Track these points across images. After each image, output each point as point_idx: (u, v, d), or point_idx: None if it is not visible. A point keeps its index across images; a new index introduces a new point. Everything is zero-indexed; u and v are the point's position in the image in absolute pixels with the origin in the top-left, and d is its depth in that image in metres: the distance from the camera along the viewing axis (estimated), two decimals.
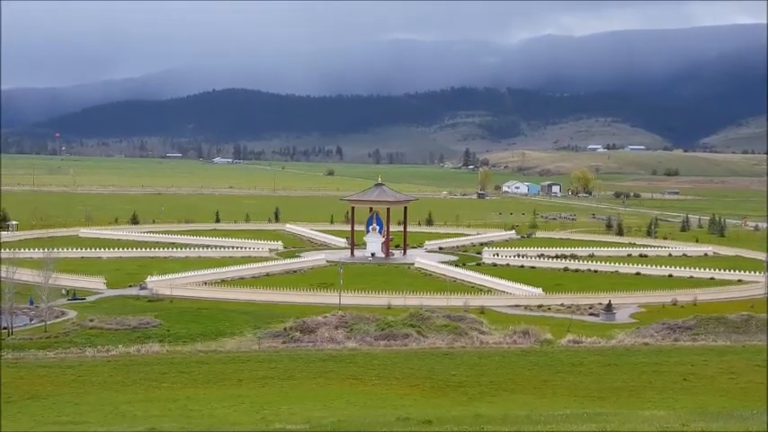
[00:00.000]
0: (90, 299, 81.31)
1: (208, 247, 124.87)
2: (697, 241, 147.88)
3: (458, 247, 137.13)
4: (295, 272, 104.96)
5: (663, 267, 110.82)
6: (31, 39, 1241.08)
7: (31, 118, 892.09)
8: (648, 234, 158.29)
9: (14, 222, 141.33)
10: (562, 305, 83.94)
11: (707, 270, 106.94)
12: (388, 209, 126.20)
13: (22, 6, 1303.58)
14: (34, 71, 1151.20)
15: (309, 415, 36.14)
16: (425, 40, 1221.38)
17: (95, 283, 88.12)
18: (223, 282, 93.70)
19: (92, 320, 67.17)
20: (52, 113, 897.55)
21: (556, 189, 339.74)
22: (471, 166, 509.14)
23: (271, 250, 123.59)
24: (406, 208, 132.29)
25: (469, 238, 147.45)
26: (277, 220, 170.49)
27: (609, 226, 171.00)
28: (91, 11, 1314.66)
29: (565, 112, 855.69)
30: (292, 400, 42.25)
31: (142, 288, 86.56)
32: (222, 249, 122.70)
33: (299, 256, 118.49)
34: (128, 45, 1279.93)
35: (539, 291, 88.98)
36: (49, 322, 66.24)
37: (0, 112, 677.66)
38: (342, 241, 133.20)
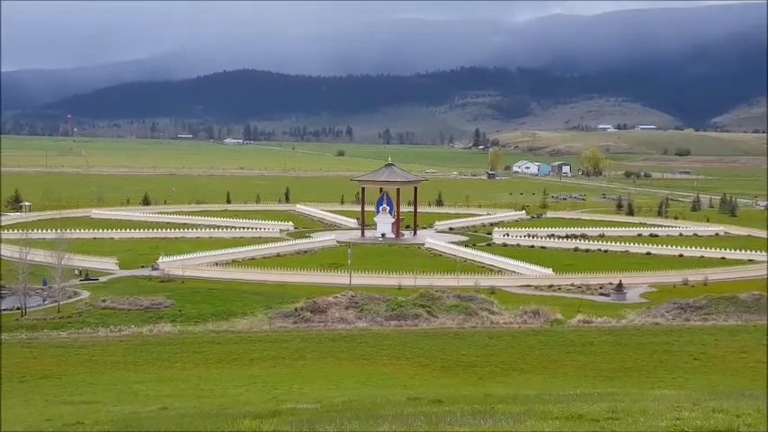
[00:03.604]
0: (102, 279, 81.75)
1: (219, 227, 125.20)
2: (708, 221, 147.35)
3: (468, 227, 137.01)
4: (306, 252, 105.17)
5: (673, 247, 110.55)
6: (42, 20, 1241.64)
7: (43, 99, 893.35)
8: (659, 214, 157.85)
9: (27, 203, 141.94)
10: (572, 285, 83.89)
11: (718, 250, 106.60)
12: (398, 189, 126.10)
13: None
14: (45, 53, 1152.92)
15: (320, 394, 36.33)
16: (435, 19, 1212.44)
17: (108, 263, 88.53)
18: (234, 262, 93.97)
19: (104, 301, 67.56)
20: (64, 95, 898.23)
21: (566, 169, 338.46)
22: (481, 147, 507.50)
23: (281, 231, 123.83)
24: (416, 188, 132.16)
25: (480, 218, 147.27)
26: (288, 200, 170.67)
27: (619, 206, 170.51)
28: None
29: (575, 92, 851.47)
30: (303, 380, 42.50)
31: (154, 269, 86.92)
32: (233, 230, 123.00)
33: (310, 237, 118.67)
34: (138, 26, 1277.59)
35: (549, 271, 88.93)
36: (62, 302, 66.66)
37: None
38: (352, 222, 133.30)
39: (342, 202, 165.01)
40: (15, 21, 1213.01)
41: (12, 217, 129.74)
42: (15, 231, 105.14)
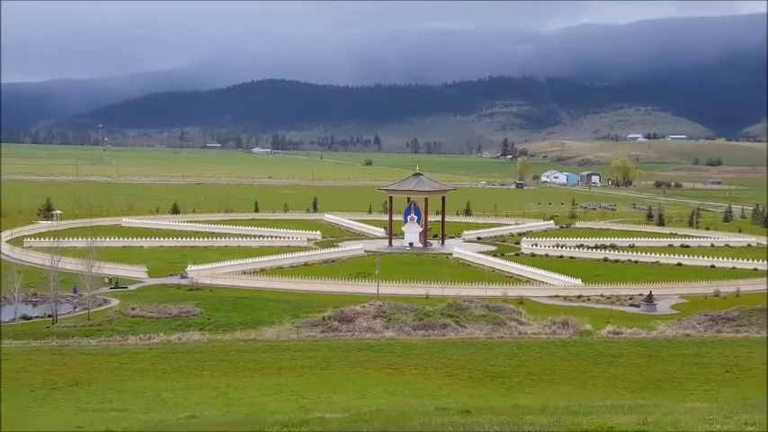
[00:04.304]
0: (132, 287, 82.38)
1: (247, 236, 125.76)
2: (740, 231, 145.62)
3: (496, 237, 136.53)
4: (333, 261, 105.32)
5: (705, 258, 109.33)
6: (73, 32, 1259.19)
7: (75, 109, 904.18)
8: (690, 224, 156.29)
9: (59, 212, 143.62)
10: (602, 296, 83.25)
11: (750, 261, 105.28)
12: (426, 199, 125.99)
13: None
14: (77, 63, 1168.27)
15: (348, 403, 36.29)
16: (463, 29, 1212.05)
17: (137, 271, 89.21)
18: (262, 271, 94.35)
19: (134, 309, 68.06)
20: (95, 105, 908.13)
21: (595, 179, 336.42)
22: (510, 156, 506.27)
23: (309, 240, 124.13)
24: (444, 198, 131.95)
25: (508, 228, 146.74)
26: (315, 209, 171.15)
27: (649, 216, 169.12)
28: (130, 2, 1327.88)
29: (604, 101, 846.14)
30: (331, 389, 42.45)
31: (183, 277, 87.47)
32: (261, 239, 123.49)
33: (338, 246, 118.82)
34: (167, 36, 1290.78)
35: (578, 281, 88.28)
36: (92, 310, 67.25)
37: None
38: (380, 231, 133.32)
39: (369, 212, 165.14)
40: (47, 32, 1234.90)
41: (43, 225, 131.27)
42: (47, 239, 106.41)
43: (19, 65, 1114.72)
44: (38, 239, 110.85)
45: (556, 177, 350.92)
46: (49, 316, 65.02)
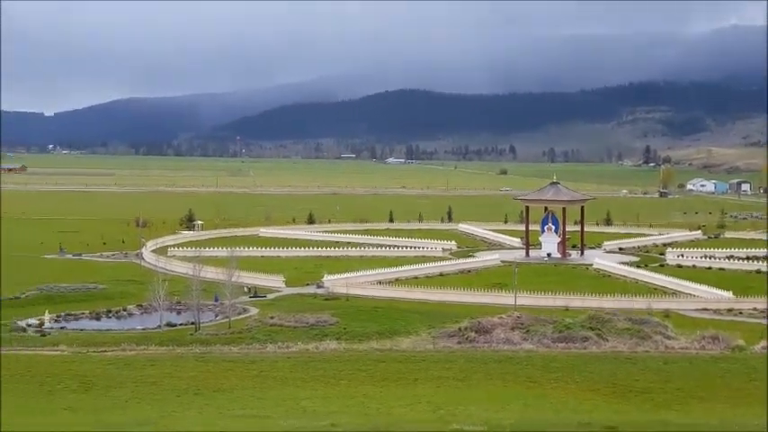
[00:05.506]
0: (270, 296, 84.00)
1: (382, 246, 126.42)
2: None
3: (639, 247, 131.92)
4: (469, 271, 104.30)
5: None
6: (211, 45, 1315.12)
7: (214, 122, 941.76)
8: None
9: (200, 222, 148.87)
10: (755, 309, 78.61)
11: None
12: (564, 208, 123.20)
13: (200, 16, 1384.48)
14: (216, 77, 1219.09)
15: (487, 416, 35.42)
16: (600, 33, 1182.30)
17: (275, 281, 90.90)
18: (397, 281, 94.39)
19: (272, 318, 69.31)
20: (233, 117, 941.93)
21: (746, 187, 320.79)
22: (652, 164, 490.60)
23: (444, 250, 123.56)
24: (582, 207, 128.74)
25: (651, 238, 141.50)
26: (450, 219, 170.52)
27: None
28: (264, 15, 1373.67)
29: (754, 106, 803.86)
30: (469, 401, 41.66)
31: (319, 286, 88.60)
32: (396, 249, 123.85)
33: (473, 256, 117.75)
34: (301, 49, 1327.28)
35: (728, 294, 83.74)
36: (232, 318, 68.95)
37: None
38: (516, 241, 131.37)
39: (505, 222, 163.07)
40: (188, 48, 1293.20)
41: (186, 235, 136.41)
42: (189, 249, 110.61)
43: (162, 81, 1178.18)
44: (181, 249, 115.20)
45: (702, 185, 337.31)
46: (192, 323, 67.06)
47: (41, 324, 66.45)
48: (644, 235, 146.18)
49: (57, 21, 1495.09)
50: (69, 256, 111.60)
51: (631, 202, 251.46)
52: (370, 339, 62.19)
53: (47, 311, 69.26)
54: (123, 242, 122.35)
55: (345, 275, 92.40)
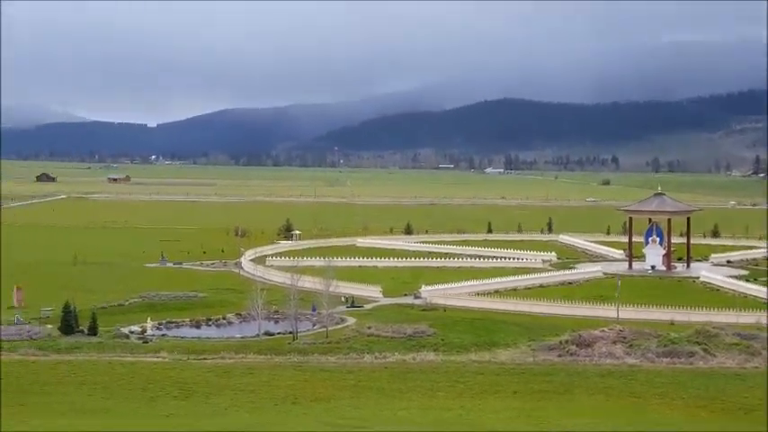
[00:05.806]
0: (367, 306, 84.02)
1: (480, 257, 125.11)
2: None
3: (748, 260, 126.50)
4: (570, 283, 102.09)
5: None
6: (311, 56, 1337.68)
7: (313, 132, 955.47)
8: None
9: (298, 232, 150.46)
10: None
11: None
12: (668, 219, 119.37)
13: (300, 28, 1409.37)
14: (315, 88, 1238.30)
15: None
16: (707, 40, 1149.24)
17: (372, 291, 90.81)
18: (496, 292, 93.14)
19: (369, 327, 69.21)
20: (331, 127, 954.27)
21: None
22: (762, 175, 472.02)
23: (544, 261, 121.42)
24: (688, 218, 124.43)
25: (761, 251, 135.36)
26: (550, 230, 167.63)
27: None
28: (364, 25, 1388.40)
29: None
30: (572, 415, 40.67)
31: (416, 297, 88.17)
32: (494, 260, 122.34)
33: (574, 268, 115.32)
34: (400, 59, 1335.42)
35: None
36: (330, 328, 69.21)
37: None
38: (619, 253, 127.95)
39: (608, 233, 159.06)
40: (288, 59, 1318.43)
41: (284, 245, 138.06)
42: (287, 259, 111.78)
43: (261, 92, 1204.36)
44: (278, 258, 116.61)
45: None
46: (290, 332, 67.58)
47: (143, 331, 68.14)
48: (753, 247, 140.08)
49: (161, 36, 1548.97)
50: (170, 264, 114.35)
51: (740, 213, 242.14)
52: (468, 351, 61.45)
53: (149, 319, 71.04)
54: (222, 251, 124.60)
55: (443, 286, 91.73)
